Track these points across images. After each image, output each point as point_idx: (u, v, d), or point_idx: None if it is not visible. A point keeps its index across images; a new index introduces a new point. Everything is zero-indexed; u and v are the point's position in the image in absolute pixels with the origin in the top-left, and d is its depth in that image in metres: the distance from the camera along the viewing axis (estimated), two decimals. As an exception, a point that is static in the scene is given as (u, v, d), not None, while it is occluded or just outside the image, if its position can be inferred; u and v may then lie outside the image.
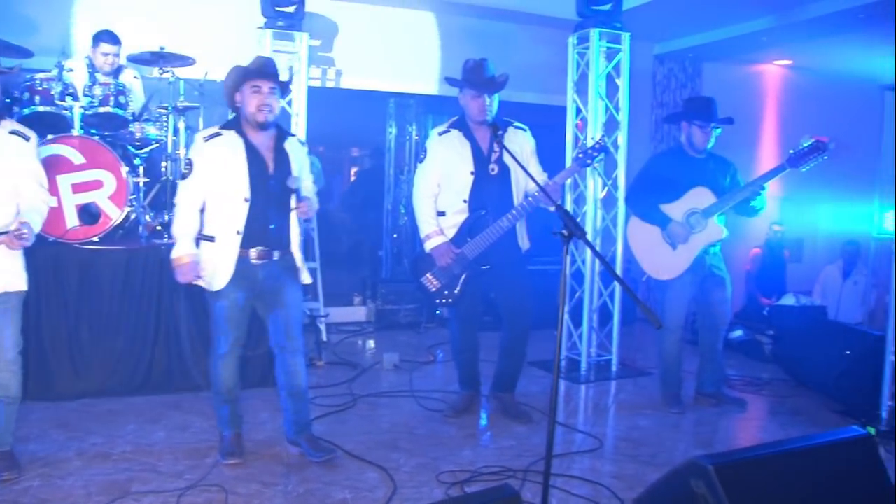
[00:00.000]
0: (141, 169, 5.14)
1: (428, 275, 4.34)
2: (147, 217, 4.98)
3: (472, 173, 4.25)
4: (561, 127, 6.09)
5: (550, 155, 4.72)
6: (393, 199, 8.29)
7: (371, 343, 6.75)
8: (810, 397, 5.26)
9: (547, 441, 2.63)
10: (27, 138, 3.44)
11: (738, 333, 6.72)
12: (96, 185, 4.71)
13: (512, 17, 7.28)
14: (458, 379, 4.71)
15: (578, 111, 5.99)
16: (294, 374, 3.74)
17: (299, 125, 5.98)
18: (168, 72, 5.33)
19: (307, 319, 6.16)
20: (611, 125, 5.88)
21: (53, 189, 4.34)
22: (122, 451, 3.79)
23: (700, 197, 4.61)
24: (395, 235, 8.30)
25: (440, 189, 4.31)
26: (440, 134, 4.35)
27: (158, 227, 5.00)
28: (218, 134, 3.54)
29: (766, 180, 4.52)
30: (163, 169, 5.32)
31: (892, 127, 5.09)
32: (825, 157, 4.37)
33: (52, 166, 4.36)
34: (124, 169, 4.79)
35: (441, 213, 4.31)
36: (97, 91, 4.92)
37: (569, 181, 5.79)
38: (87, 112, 4.86)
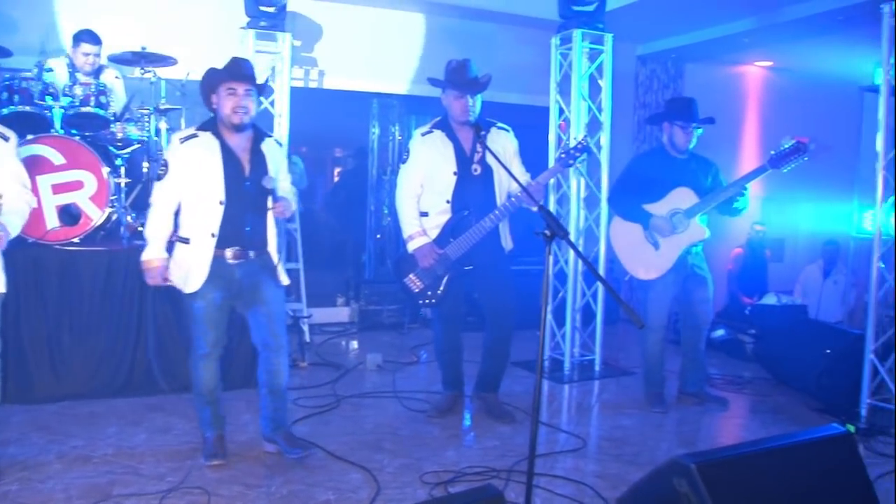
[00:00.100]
0: (122, 170, 5.10)
1: (411, 275, 4.33)
2: (128, 218, 4.94)
3: (454, 174, 4.25)
4: (544, 127, 6.10)
5: (533, 155, 4.74)
6: (376, 200, 8.28)
7: (354, 344, 6.73)
8: (791, 396, 5.30)
9: (530, 441, 2.64)
10: (6, 139, 3.41)
11: (720, 333, 6.76)
12: (77, 185, 4.68)
13: (495, 17, 7.29)
14: (442, 379, 4.71)
15: (561, 112, 6.00)
16: (277, 373, 3.74)
17: (282, 126, 5.97)
18: (149, 72, 5.30)
19: (290, 320, 6.14)
20: (593, 126, 5.89)
21: (34, 190, 4.29)
22: (104, 454, 3.75)
23: (682, 197, 4.63)
24: (378, 236, 8.29)
25: (423, 190, 4.31)
26: (423, 134, 4.35)
27: (140, 228, 4.95)
28: (194, 135, 3.53)
29: (748, 181, 4.55)
30: (144, 170, 5.29)
31: (871, 128, 5.13)
32: (806, 159, 4.41)
33: (32, 167, 4.31)
34: (105, 169, 4.76)
35: (424, 214, 4.31)
36: (78, 91, 4.88)
37: (552, 181, 5.80)
38: (67, 112, 4.82)
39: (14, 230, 3.32)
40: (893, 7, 4.53)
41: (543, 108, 6.21)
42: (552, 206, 6.04)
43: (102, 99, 4.95)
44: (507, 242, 4.42)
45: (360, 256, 8.47)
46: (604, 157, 5.88)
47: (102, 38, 5.33)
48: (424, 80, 4.44)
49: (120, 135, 5.07)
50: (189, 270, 3.52)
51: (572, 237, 5.80)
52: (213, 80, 3.53)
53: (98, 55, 5.33)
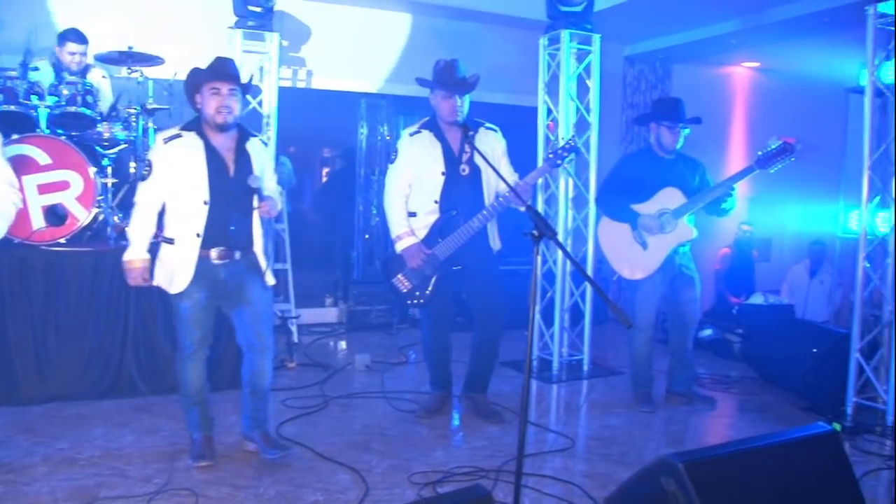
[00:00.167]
0: (109, 170, 5.06)
1: (399, 276, 4.33)
2: (115, 218, 4.92)
3: (443, 174, 4.25)
4: (532, 128, 6.11)
5: (522, 156, 4.74)
6: (364, 200, 8.27)
7: (343, 344, 6.72)
8: (778, 394, 5.33)
9: (518, 441, 2.64)
10: (-8, 139, 3.39)
11: (707, 332, 6.78)
12: (63, 185, 4.65)
13: (483, 18, 7.29)
14: (430, 379, 4.70)
15: (549, 112, 6.01)
16: (260, 374, 3.74)
17: (270, 126, 5.95)
18: (136, 71, 5.27)
19: (278, 321, 6.13)
20: (581, 126, 5.91)
21: (19, 190, 4.27)
22: (90, 456, 3.73)
23: (670, 197, 4.65)
24: (366, 236, 8.28)
25: (411, 190, 4.31)
26: (411, 135, 4.35)
27: (127, 229, 4.94)
28: (178, 136, 3.52)
29: (736, 181, 4.57)
30: (131, 170, 5.26)
31: (857, 129, 5.16)
32: (792, 159, 4.43)
33: (18, 167, 4.28)
34: (92, 170, 4.73)
35: (412, 214, 4.31)
36: (64, 90, 4.85)
37: (540, 181, 5.81)
38: (53, 111, 4.79)
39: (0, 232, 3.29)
40: (877, 9, 4.56)
41: (531, 109, 6.22)
42: (540, 207, 6.05)
43: (89, 98, 4.92)
44: (495, 243, 4.43)
45: (349, 257, 8.46)
46: (592, 158, 5.89)
47: (89, 37, 5.29)
48: (412, 81, 4.43)
49: (106, 135, 5.04)
50: (174, 271, 3.51)
51: (560, 237, 5.81)
52: (196, 80, 3.52)
53: (84, 54, 5.30)
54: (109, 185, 5.01)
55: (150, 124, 5.32)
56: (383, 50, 7.22)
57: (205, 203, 3.47)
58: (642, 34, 8.01)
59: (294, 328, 6.34)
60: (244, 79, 3.70)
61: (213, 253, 3.51)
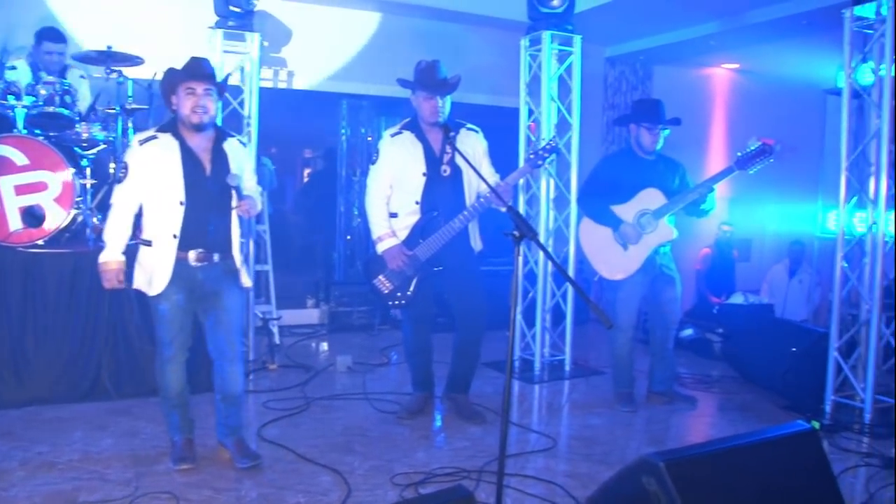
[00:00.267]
0: (88, 170, 5.02)
1: (380, 277, 4.33)
2: (94, 220, 4.88)
3: (424, 175, 4.25)
4: (513, 128, 6.12)
5: (503, 156, 4.75)
6: (346, 201, 8.25)
7: (324, 345, 6.70)
8: (758, 393, 5.37)
9: (500, 441, 2.64)
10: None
11: (688, 332, 6.82)
12: (41, 186, 4.61)
13: (464, 18, 7.30)
14: (412, 380, 4.70)
15: (531, 113, 6.02)
16: (232, 382, 3.71)
17: (251, 127, 5.92)
18: (115, 71, 5.23)
19: (259, 322, 6.10)
20: (563, 127, 5.92)
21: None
22: (69, 460, 3.70)
23: (651, 198, 4.67)
24: (348, 237, 8.26)
25: (392, 191, 4.31)
26: (392, 135, 4.35)
27: (102, 231, 4.89)
28: (154, 137, 3.50)
29: (715, 182, 4.59)
30: (111, 170, 5.21)
31: (834, 130, 5.21)
32: (771, 160, 4.46)
33: (-5, 168, 4.26)
34: (70, 170, 4.69)
35: (393, 215, 4.30)
36: (41, 90, 4.81)
37: (521, 182, 5.82)
38: (31, 112, 4.75)
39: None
40: (854, 12, 4.61)
41: (513, 109, 6.23)
42: (522, 207, 6.06)
43: (67, 98, 4.88)
44: (476, 243, 4.43)
45: (330, 258, 8.43)
46: (573, 158, 5.90)
47: (67, 36, 5.25)
48: (394, 81, 4.43)
49: (85, 135, 4.99)
50: (152, 272, 3.49)
51: (542, 238, 5.83)
52: (172, 81, 3.50)
53: (62, 54, 5.25)
54: (88, 186, 4.97)
55: (130, 125, 5.28)
56: (365, 51, 7.21)
57: (181, 204, 3.46)
58: (623, 35, 8.05)
59: (275, 330, 6.31)
60: (220, 77, 3.67)
61: (192, 255, 3.49)
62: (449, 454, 4.00)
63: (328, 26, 7.03)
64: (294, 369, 5.65)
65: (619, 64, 8.59)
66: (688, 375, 5.83)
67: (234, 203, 3.57)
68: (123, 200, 3.51)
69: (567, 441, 4.32)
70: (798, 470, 2.58)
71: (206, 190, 3.50)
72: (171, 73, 3.52)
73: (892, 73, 4.53)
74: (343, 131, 8.19)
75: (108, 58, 5.18)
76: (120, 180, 3.51)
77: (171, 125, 3.54)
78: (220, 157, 3.57)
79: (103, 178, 5.20)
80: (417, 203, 4.26)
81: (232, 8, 5.70)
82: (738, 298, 7.43)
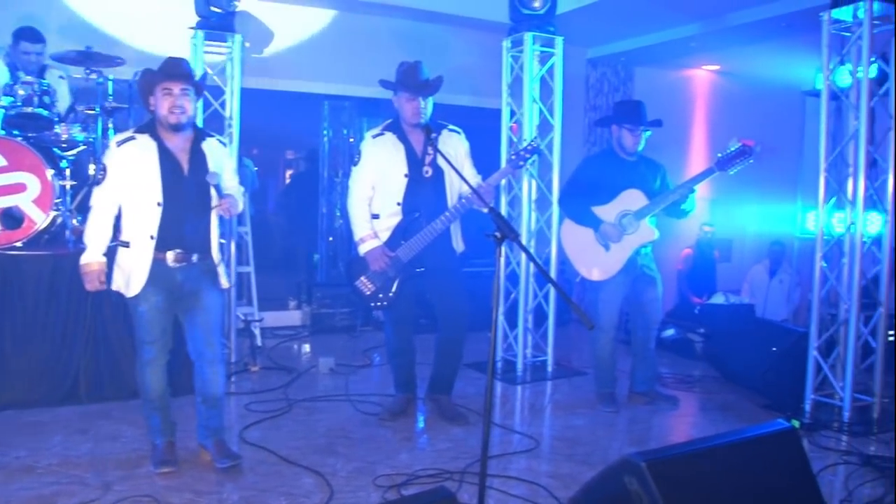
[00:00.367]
0: (67, 171, 4.97)
1: (362, 278, 4.32)
2: (74, 221, 4.84)
3: (405, 176, 4.25)
4: (495, 129, 6.13)
5: (485, 157, 4.76)
6: (328, 202, 8.23)
7: (306, 347, 6.68)
8: (739, 393, 5.40)
9: (482, 442, 2.65)
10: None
11: (670, 332, 6.85)
12: (19, 188, 4.57)
13: (446, 20, 7.30)
14: (394, 382, 4.69)
15: (513, 114, 6.03)
16: (212, 383, 3.69)
17: (232, 128, 5.88)
18: (95, 72, 5.19)
19: (241, 324, 6.07)
20: (544, 128, 5.93)
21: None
22: (48, 464, 3.66)
23: (632, 199, 4.69)
24: (330, 239, 8.25)
25: (374, 192, 4.30)
26: (374, 136, 4.34)
27: (83, 233, 4.86)
28: (131, 138, 3.48)
29: (696, 183, 4.62)
30: (91, 172, 5.18)
31: (813, 131, 5.26)
32: (751, 161, 4.49)
33: (-28, 169, 4.22)
34: (49, 171, 4.65)
35: (375, 216, 4.30)
36: (20, 90, 4.76)
37: (503, 183, 5.84)
38: (9, 112, 4.70)
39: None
40: (832, 15, 4.65)
41: (495, 111, 6.24)
42: (504, 208, 6.07)
43: (46, 99, 4.84)
44: (458, 244, 4.43)
45: (312, 259, 8.41)
46: (555, 159, 5.92)
47: (45, 36, 5.20)
48: (376, 83, 4.43)
49: (64, 136, 4.96)
50: (130, 273, 3.47)
51: (524, 239, 5.84)
52: (149, 82, 3.49)
53: (41, 54, 5.20)
54: (68, 187, 4.93)
55: (111, 125, 5.24)
56: (347, 52, 7.19)
57: (158, 205, 3.44)
58: (605, 37, 8.08)
59: (257, 331, 6.28)
60: (198, 76, 3.66)
61: (170, 256, 3.47)
62: (432, 455, 4.00)
63: (310, 27, 7.01)
64: (276, 371, 5.62)
65: (600, 65, 8.62)
66: (669, 375, 5.85)
67: (213, 203, 3.56)
68: (102, 202, 3.49)
69: (549, 442, 4.33)
70: (778, 468, 2.60)
71: (184, 190, 3.49)
72: (147, 73, 3.50)
73: (870, 76, 4.58)
74: (325, 132, 8.18)
75: (87, 58, 5.14)
76: (98, 182, 3.49)
77: (150, 126, 3.53)
78: (198, 158, 3.55)
79: (83, 179, 5.16)
80: (399, 204, 4.26)
81: (213, 8, 5.66)
82: (719, 298, 7.48)
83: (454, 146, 4.35)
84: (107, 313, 4.61)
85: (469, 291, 4.46)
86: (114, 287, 3.54)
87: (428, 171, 4.29)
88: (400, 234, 4.26)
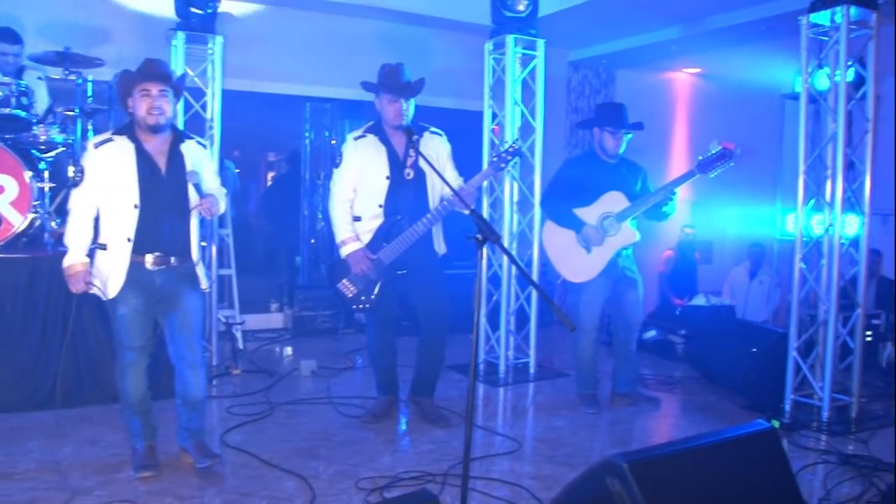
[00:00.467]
0: (46, 174, 4.92)
1: (344, 281, 4.31)
2: (52, 224, 4.79)
3: (387, 178, 4.24)
4: (477, 132, 6.13)
5: (467, 159, 4.76)
6: (310, 205, 8.21)
7: (288, 350, 6.66)
8: (720, 394, 5.43)
9: (465, 444, 2.65)
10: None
11: (651, 334, 6.89)
12: (-3, 190, 4.52)
13: (428, 22, 7.30)
14: (376, 384, 4.68)
15: (494, 116, 6.04)
16: (193, 386, 3.67)
17: (214, 129, 5.86)
18: (74, 73, 5.15)
19: (223, 327, 6.04)
20: (526, 130, 5.94)
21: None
22: (26, 470, 3.62)
23: (613, 201, 4.70)
24: (312, 241, 8.22)
25: (356, 194, 4.29)
26: (356, 139, 4.33)
27: (63, 236, 4.81)
28: (109, 140, 3.46)
29: (677, 185, 4.64)
30: (70, 174, 5.12)
31: (792, 134, 5.30)
32: (731, 164, 4.52)
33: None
34: (27, 173, 4.61)
35: (357, 219, 4.29)
36: (-4, 92, 4.71)
37: (485, 185, 5.84)
38: (-15, 114, 4.65)
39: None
40: (810, 20, 4.70)
41: (477, 113, 6.24)
42: (485, 210, 6.08)
43: (24, 100, 4.78)
44: (440, 247, 4.43)
45: (294, 262, 8.39)
46: (536, 161, 5.93)
47: (23, 36, 5.15)
48: (358, 85, 4.42)
49: (43, 137, 4.92)
50: (108, 276, 3.45)
51: (506, 241, 5.85)
52: (127, 83, 3.47)
53: (18, 55, 5.15)
54: (46, 189, 4.87)
55: (90, 127, 5.20)
56: (328, 54, 7.18)
57: (135, 206, 3.41)
58: (586, 40, 8.11)
59: (239, 334, 6.26)
60: (185, 81, 3.64)
61: (149, 259, 3.45)
62: (414, 458, 4.00)
63: (292, 29, 6.99)
64: (258, 374, 5.60)
65: (582, 68, 8.65)
66: (651, 377, 5.88)
67: (192, 205, 3.53)
68: (80, 204, 3.46)
69: (532, 443, 4.34)
70: (759, 468, 2.62)
71: (162, 192, 3.46)
72: (125, 74, 3.48)
73: (847, 79, 4.62)
74: (307, 134, 8.16)
75: (65, 59, 5.10)
76: (76, 184, 3.46)
77: (128, 128, 3.51)
78: (176, 159, 3.53)
79: (62, 181, 5.10)
80: (381, 206, 4.26)
81: (194, 10, 5.63)
82: (700, 300, 7.52)
83: (436, 148, 4.35)
84: (86, 316, 4.57)
85: (451, 293, 4.46)
86: (92, 290, 3.51)
87: (410, 173, 4.29)
88: (382, 236, 4.26)
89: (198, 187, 3.51)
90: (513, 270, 5.96)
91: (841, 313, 4.76)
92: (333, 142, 8.04)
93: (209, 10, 5.57)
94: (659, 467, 2.38)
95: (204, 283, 3.69)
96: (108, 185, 3.42)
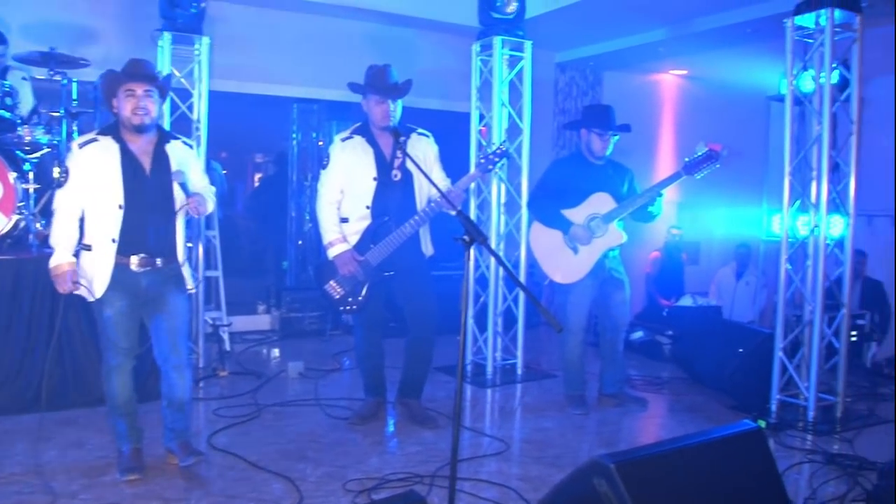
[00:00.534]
0: (31, 175, 4.89)
1: (331, 282, 4.30)
2: (37, 225, 4.76)
3: (374, 179, 4.24)
4: (465, 133, 6.14)
5: (454, 161, 4.76)
6: (297, 206, 8.19)
7: (276, 352, 6.64)
8: (707, 394, 5.45)
9: (452, 445, 2.65)
10: None
11: (638, 334, 6.91)
12: (-19, 192, 4.49)
13: (416, 23, 7.30)
14: (364, 386, 4.68)
15: (482, 117, 6.05)
16: (178, 388, 3.66)
17: (200, 131, 5.83)
18: (59, 73, 5.12)
19: (210, 329, 6.02)
20: (513, 131, 5.95)
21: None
22: (10, 473, 3.59)
23: (601, 202, 4.72)
24: (299, 242, 8.20)
25: (343, 195, 4.29)
26: (343, 140, 4.33)
27: (49, 237, 4.78)
28: (94, 140, 3.44)
29: (664, 187, 4.66)
30: (55, 175, 5.08)
31: (778, 135, 5.34)
32: (717, 166, 4.55)
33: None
34: (12, 175, 4.58)
35: (344, 220, 4.29)
36: (-20, 92, 4.68)
37: (472, 186, 5.85)
38: (-31, 114, 4.62)
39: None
40: (795, 22, 4.73)
41: (464, 114, 6.25)
42: (473, 212, 6.08)
43: (8, 101, 4.76)
44: (427, 248, 4.43)
45: (281, 263, 8.37)
46: (524, 163, 5.94)
47: (8, 37, 5.12)
48: (345, 86, 4.42)
49: (28, 138, 4.88)
50: (92, 278, 3.43)
51: (493, 242, 5.86)
52: (111, 83, 3.44)
53: (3, 55, 5.11)
54: (31, 190, 4.85)
55: (75, 128, 5.17)
56: (316, 55, 7.16)
57: (119, 207, 3.39)
58: (573, 41, 8.13)
59: (226, 336, 6.24)
60: (173, 82, 3.62)
61: (134, 260, 3.44)
62: (402, 459, 3.99)
63: (279, 30, 6.97)
64: (245, 376, 5.58)
65: (569, 69, 8.67)
66: (638, 377, 5.90)
67: (178, 206, 3.52)
68: (65, 204, 3.43)
69: (519, 444, 4.35)
70: (745, 468, 2.64)
71: (147, 193, 3.44)
72: (110, 74, 3.46)
73: (832, 81, 4.66)
74: (294, 135, 8.14)
75: (50, 59, 5.07)
76: (61, 184, 3.43)
77: (113, 128, 3.49)
78: (161, 160, 3.51)
79: (47, 182, 5.08)
80: (368, 208, 4.25)
81: (180, 10, 5.61)
82: (686, 301, 7.55)
83: (423, 150, 4.35)
84: (71, 318, 4.54)
85: (438, 295, 4.46)
86: (79, 290, 3.48)
87: (397, 174, 4.29)
88: (369, 237, 4.25)
89: (184, 187, 3.49)
90: (500, 272, 5.96)
91: (826, 314, 4.79)
92: (321, 143, 8.03)
93: (193, 10, 5.54)
94: (646, 468, 2.39)
95: (190, 284, 3.68)
96: (92, 185, 3.39)
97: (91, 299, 3.45)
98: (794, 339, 4.89)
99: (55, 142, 5.00)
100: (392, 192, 4.27)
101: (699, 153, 4.54)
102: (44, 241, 4.70)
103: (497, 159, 4.26)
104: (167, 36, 5.56)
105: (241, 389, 5.19)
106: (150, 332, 3.63)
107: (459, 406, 2.68)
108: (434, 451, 4.11)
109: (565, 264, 4.79)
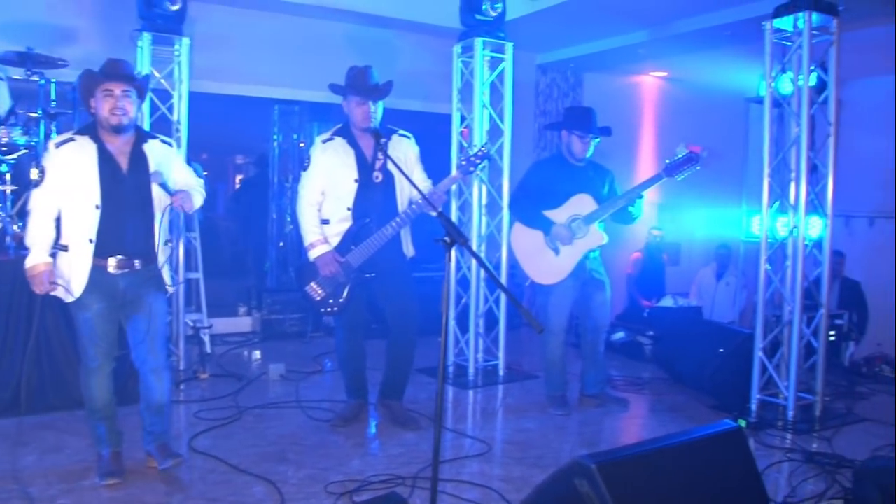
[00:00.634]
0: (7, 176, 4.85)
1: (312, 284, 4.29)
2: (15, 227, 4.71)
3: (356, 181, 4.23)
4: (446, 134, 6.14)
5: (435, 162, 4.76)
6: (278, 208, 8.16)
7: (257, 354, 6.61)
8: (688, 394, 5.49)
9: (434, 447, 2.65)
10: None
11: (619, 335, 6.94)
12: (-43, 193, 4.43)
13: (397, 25, 7.30)
14: (345, 388, 4.67)
15: (463, 119, 6.05)
16: (156, 391, 3.63)
17: (181, 132, 5.80)
18: (36, 74, 5.07)
19: (190, 331, 5.98)
20: (495, 133, 5.96)
21: None
22: (-12, 477, 3.56)
23: (582, 203, 4.73)
24: (280, 244, 8.17)
25: (324, 197, 4.28)
26: (324, 141, 4.32)
27: (24, 238, 4.73)
28: (71, 139, 3.41)
29: (645, 188, 4.68)
30: (33, 176, 5.02)
31: (757, 137, 5.37)
32: (698, 167, 4.57)
33: None
34: (-12, 176, 4.53)
35: (325, 222, 4.27)
36: (-44, 94, 4.63)
37: (454, 188, 5.85)
38: (-55, 116, 4.56)
39: None
40: (773, 25, 4.77)
41: (445, 116, 6.26)
42: (454, 213, 6.08)
43: (-16, 102, 4.71)
44: (408, 249, 4.43)
45: (262, 265, 8.33)
46: (505, 164, 5.95)
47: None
48: (326, 87, 4.41)
49: (4, 139, 4.83)
50: (70, 279, 3.40)
51: (474, 244, 5.86)
52: (89, 83, 3.42)
53: (-21, 56, 5.07)
54: (8, 192, 4.81)
55: (53, 129, 5.12)
56: (297, 56, 7.14)
57: (96, 207, 3.36)
58: (554, 43, 8.16)
59: (206, 338, 6.19)
60: (141, 76, 3.59)
61: (112, 262, 3.41)
62: (384, 461, 3.99)
63: (259, 31, 6.94)
64: (226, 378, 5.55)
65: (550, 71, 8.70)
66: (619, 378, 5.93)
67: (157, 207, 3.49)
68: (41, 205, 3.39)
69: (501, 445, 4.35)
70: (726, 467, 2.66)
71: (124, 193, 3.41)
72: (87, 74, 3.43)
73: (810, 84, 4.70)
74: (275, 137, 8.11)
75: (28, 59, 5.01)
76: (37, 185, 3.40)
77: (90, 128, 3.46)
78: (139, 160, 3.48)
79: (24, 184, 5.02)
80: (349, 209, 4.24)
81: (160, 11, 5.57)
82: (667, 301, 7.59)
83: (404, 151, 4.35)
84: (49, 320, 4.50)
85: (419, 296, 4.46)
86: (56, 291, 3.45)
87: (378, 176, 4.28)
88: (350, 239, 4.24)
89: (164, 186, 3.47)
90: (481, 273, 5.97)
91: (805, 314, 4.84)
92: (302, 144, 8.00)
93: (175, 12, 5.50)
94: (627, 468, 2.40)
95: (169, 285, 3.65)
96: (68, 185, 3.36)
97: (70, 299, 3.42)
98: (773, 339, 4.93)
99: (32, 143, 4.95)
100: (373, 193, 4.26)
101: (680, 155, 4.57)
102: (21, 242, 4.64)
103: (479, 161, 4.27)
104: (147, 36, 5.53)
105: (222, 392, 5.16)
106: (128, 335, 3.59)
107: (441, 407, 2.68)
108: (416, 452, 4.11)
109: (546, 265, 4.80)
